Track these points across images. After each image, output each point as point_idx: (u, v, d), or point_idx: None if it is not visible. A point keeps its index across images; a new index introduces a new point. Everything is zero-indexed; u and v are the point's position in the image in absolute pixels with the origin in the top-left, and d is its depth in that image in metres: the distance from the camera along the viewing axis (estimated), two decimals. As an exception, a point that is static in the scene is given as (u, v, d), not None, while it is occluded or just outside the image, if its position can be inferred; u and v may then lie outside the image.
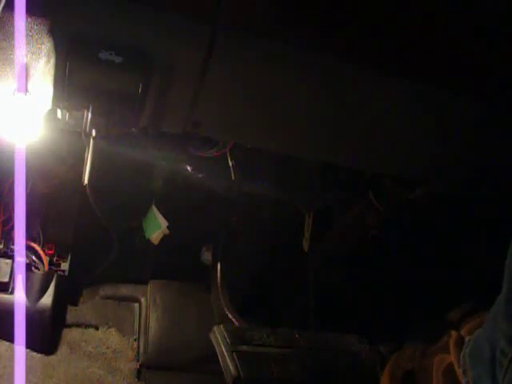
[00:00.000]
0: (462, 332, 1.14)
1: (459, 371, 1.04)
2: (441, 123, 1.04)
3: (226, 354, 1.33)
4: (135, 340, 1.65)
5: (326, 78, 0.95)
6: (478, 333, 0.99)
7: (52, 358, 1.52)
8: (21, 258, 1.55)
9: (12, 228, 1.57)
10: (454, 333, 1.14)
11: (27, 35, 0.86)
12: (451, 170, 1.15)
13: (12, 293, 1.51)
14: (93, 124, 0.99)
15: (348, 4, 0.87)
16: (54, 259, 1.64)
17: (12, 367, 1.43)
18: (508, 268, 0.87)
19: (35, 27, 0.85)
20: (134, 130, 1.10)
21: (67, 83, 0.90)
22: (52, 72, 0.90)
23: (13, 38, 0.86)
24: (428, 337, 1.27)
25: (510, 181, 1.13)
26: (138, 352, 1.62)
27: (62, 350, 1.55)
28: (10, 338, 1.45)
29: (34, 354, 1.50)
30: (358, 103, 1.00)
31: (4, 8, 0.79)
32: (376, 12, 0.89)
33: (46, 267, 1.60)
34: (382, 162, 1.15)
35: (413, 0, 0.90)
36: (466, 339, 1.06)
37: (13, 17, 0.82)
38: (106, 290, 1.72)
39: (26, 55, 0.89)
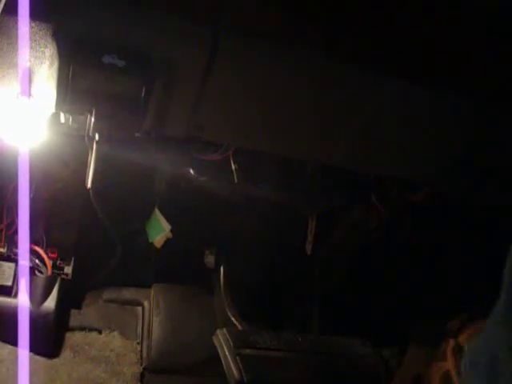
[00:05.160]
0: (460, 339, 1.14)
1: (456, 378, 1.04)
2: (441, 123, 1.04)
3: (229, 357, 1.33)
4: (138, 343, 1.65)
5: (325, 78, 0.96)
6: (476, 342, 0.97)
7: (55, 361, 1.52)
8: (24, 261, 1.56)
9: (15, 232, 1.58)
10: (451, 340, 1.14)
11: (30, 39, 0.86)
12: (452, 170, 1.15)
13: (15, 296, 1.51)
14: (96, 128, 0.99)
15: (348, 4, 0.88)
16: (58, 263, 1.65)
17: (15, 371, 1.43)
18: (507, 275, 0.87)
19: (38, 31, 0.85)
20: (137, 133, 1.10)
21: (70, 87, 0.90)
22: (55, 76, 0.90)
23: (16, 42, 0.86)
24: (429, 345, 1.27)
25: (511, 181, 1.14)
26: (141, 355, 1.62)
27: (65, 353, 1.55)
28: (13, 341, 1.46)
29: (38, 357, 1.50)
30: (357, 103, 1.00)
31: (7, 12, 0.80)
32: (376, 12, 0.90)
33: (50, 271, 1.60)
34: (382, 163, 1.16)
35: (413, 0, 0.90)
36: (465, 347, 1.05)
37: (16, 21, 0.83)
38: (109, 293, 1.73)
39: (30, 59, 0.90)
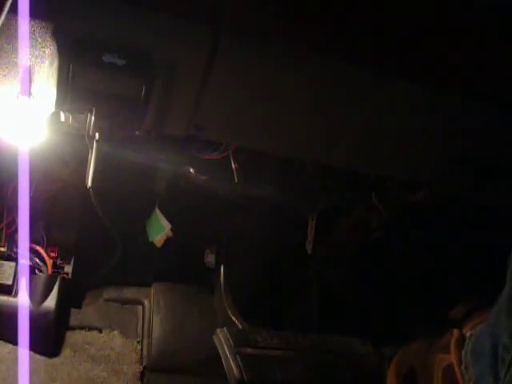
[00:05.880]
0: (465, 329, 1.13)
1: (460, 369, 1.03)
2: (441, 123, 1.04)
3: (229, 356, 1.32)
4: (138, 342, 1.65)
5: (325, 78, 0.96)
6: (480, 329, 0.98)
7: (55, 360, 1.53)
8: (24, 260, 1.56)
9: (16, 231, 1.58)
10: (456, 331, 1.13)
11: (31, 38, 0.86)
12: (452, 170, 1.15)
13: (16, 295, 1.52)
14: (96, 127, 0.99)
15: (348, 4, 0.88)
16: (58, 262, 1.65)
17: (15, 370, 1.43)
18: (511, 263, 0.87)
19: (39, 30, 0.85)
20: (137, 132, 1.10)
21: (70, 86, 0.90)
22: (55, 75, 0.90)
23: (16, 42, 0.86)
24: (433, 333, 1.26)
25: (511, 181, 1.14)
26: (142, 354, 1.63)
27: (66, 352, 1.55)
28: (13, 340, 1.46)
29: (38, 356, 1.51)
30: (357, 103, 1.00)
31: (8, 12, 0.80)
32: (376, 12, 0.90)
33: (50, 270, 1.61)
34: (382, 163, 1.16)
35: (413, 0, 0.90)
36: (468, 335, 1.05)
37: (16, 20, 0.83)
38: (110, 292, 1.73)
39: (30, 58, 0.90)
